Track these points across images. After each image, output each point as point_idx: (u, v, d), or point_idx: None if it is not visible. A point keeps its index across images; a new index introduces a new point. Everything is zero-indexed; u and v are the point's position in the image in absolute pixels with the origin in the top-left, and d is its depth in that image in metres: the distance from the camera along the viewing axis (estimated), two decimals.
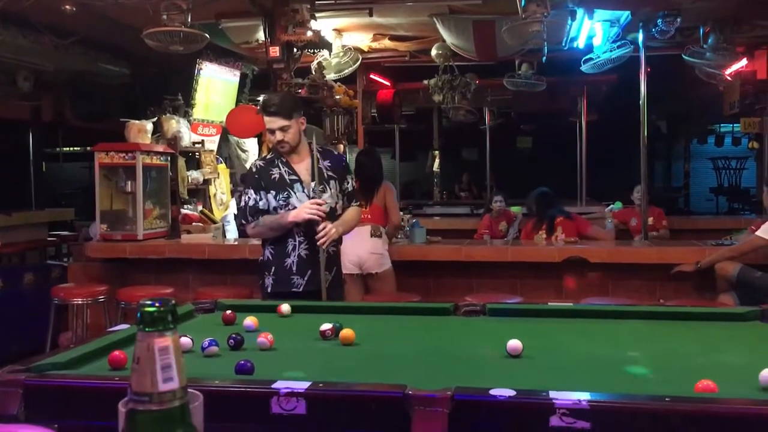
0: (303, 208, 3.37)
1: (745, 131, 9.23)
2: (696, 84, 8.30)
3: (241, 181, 3.92)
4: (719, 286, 4.58)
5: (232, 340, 2.30)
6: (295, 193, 3.46)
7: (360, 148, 8.44)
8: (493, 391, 1.64)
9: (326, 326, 2.43)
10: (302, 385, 1.71)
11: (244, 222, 3.56)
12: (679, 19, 5.60)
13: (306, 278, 3.44)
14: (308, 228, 3.40)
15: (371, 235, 4.80)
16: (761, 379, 1.78)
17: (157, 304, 0.95)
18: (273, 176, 3.50)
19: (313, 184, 3.45)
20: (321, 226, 3.33)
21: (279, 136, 3.43)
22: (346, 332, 2.36)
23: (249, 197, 3.51)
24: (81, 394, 1.82)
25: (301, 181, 3.49)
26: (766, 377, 1.77)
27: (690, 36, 6.35)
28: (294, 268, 3.44)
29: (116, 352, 2.06)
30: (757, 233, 4.43)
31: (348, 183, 3.59)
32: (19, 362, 1.97)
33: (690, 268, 4.60)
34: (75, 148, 12.75)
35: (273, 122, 3.42)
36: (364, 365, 2.15)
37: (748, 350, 2.27)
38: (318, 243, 3.36)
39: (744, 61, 7.72)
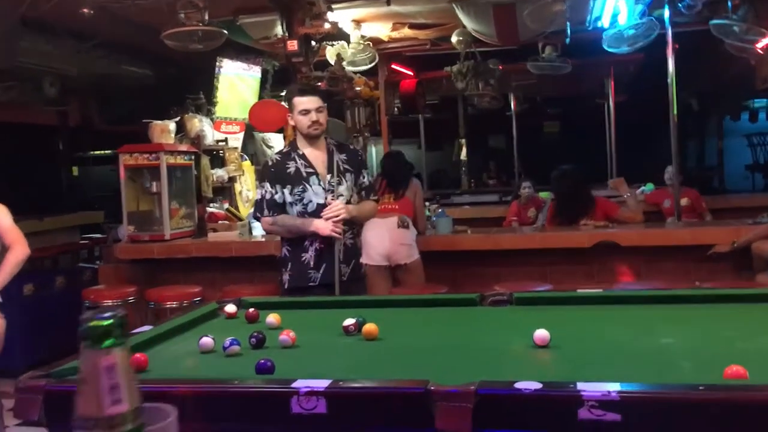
0: (328, 224, 3.36)
1: None
2: (727, 59, 8.06)
3: (259, 175, 3.97)
4: (756, 265, 4.44)
5: (253, 339, 2.27)
6: (311, 186, 3.45)
7: (384, 140, 8.40)
8: (518, 384, 1.58)
9: (349, 321, 2.39)
10: (322, 384, 1.67)
11: (259, 215, 3.57)
12: None
13: (322, 271, 3.44)
14: None
15: (398, 226, 4.75)
16: None
17: (101, 318, 0.86)
18: (289, 170, 3.50)
19: (329, 176, 3.43)
20: (329, 204, 3.33)
21: (314, 116, 3.43)
22: (369, 327, 2.31)
23: (266, 191, 3.52)
24: None
25: (317, 174, 3.48)
26: None
27: (718, 9, 6.15)
28: (311, 263, 3.45)
29: (137, 355, 2.04)
30: None
31: (364, 177, 3.57)
32: (45, 366, 1.96)
33: (726, 248, 4.47)
34: (105, 151, 12.90)
35: (311, 102, 3.43)
36: (387, 360, 2.11)
37: None
38: (324, 218, 3.35)
39: None
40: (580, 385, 1.55)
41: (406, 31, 6.85)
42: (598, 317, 2.49)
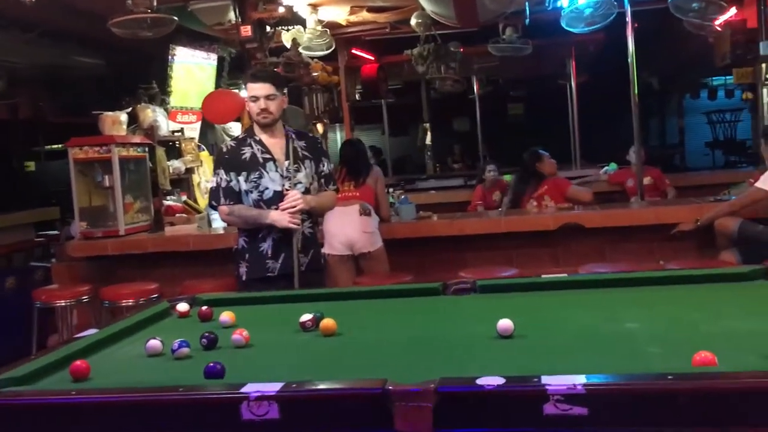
0: (284, 216, 3.27)
1: (738, 82, 9.02)
2: (685, 37, 8.10)
3: (214, 162, 3.88)
4: (719, 243, 4.45)
5: (204, 340, 2.16)
6: (267, 173, 3.36)
7: (346, 126, 8.28)
8: (480, 381, 1.50)
9: (306, 317, 2.29)
10: (274, 387, 1.57)
11: (215, 203, 3.47)
12: None
13: (280, 261, 3.35)
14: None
15: (360, 214, 4.65)
16: None
17: None
18: (244, 156, 3.39)
19: (287, 163, 3.33)
20: (288, 194, 3.24)
21: (263, 104, 3.32)
22: (327, 322, 2.21)
23: (221, 178, 3.42)
24: (34, 411, 1.67)
25: (274, 160, 3.37)
26: None
27: None
28: (269, 252, 3.36)
29: (78, 362, 1.92)
30: (757, 184, 4.29)
31: (324, 165, 3.47)
32: None
33: (689, 226, 4.46)
34: (60, 145, 12.56)
35: (260, 89, 3.32)
36: (344, 358, 2.01)
37: (754, 314, 2.13)
38: (281, 209, 3.28)
39: (733, 10, 7.52)
40: (545, 379, 1.47)
41: (365, 15, 6.72)
42: (562, 303, 2.43)
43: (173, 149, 6.39)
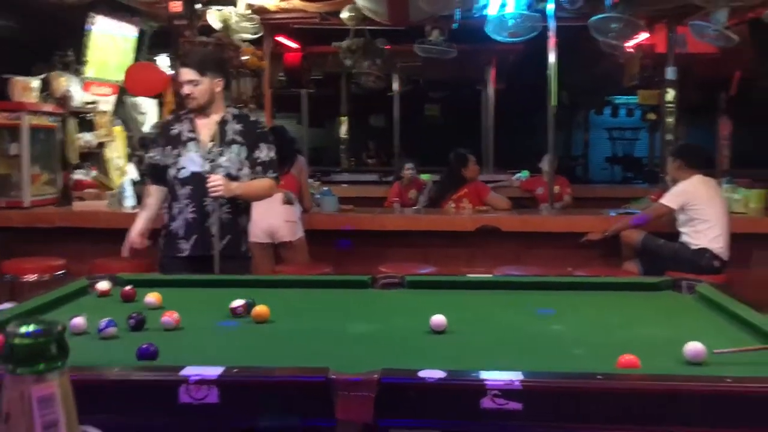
0: (127, 244, 3.42)
1: (643, 103, 9.55)
2: (598, 56, 8.47)
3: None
4: (624, 253, 4.70)
5: (132, 320, 2.11)
6: (187, 152, 3.30)
7: (267, 114, 8.15)
8: (422, 373, 1.54)
9: (237, 302, 2.26)
10: (214, 372, 1.55)
11: (147, 180, 3.57)
12: None
13: (191, 243, 3.28)
14: (195, 191, 3.25)
15: (283, 202, 4.61)
16: (688, 353, 1.76)
17: (34, 332, 0.62)
18: (173, 131, 3.37)
19: (210, 144, 3.26)
20: (210, 178, 3.19)
21: (186, 89, 3.30)
22: (260, 309, 2.20)
23: (150, 155, 3.47)
24: None
25: (198, 141, 3.31)
26: (692, 351, 1.75)
27: (597, 7, 6.41)
28: (180, 232, 3.30)
29: None
30: (661, 201, 4.56)
31: (261, 151, 3.36)
32: None
33: (597, 236, 4.69)
34: None
35: (184, 74, 3.33)
36: (281, 346, 2.01)
37: (666, 321, 2.28)
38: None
39: (645, 35, 7.95)
40: (484, 374, 1.54)
41: (295, 3, 6.64)
42: (489, 302, 2.51)
43: (86, 122, 6.11)
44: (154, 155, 3.41)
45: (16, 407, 0.60)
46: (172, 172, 3.32)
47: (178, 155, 3.31)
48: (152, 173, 3.44)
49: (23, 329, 0.60)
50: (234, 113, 3.44)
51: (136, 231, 3.41)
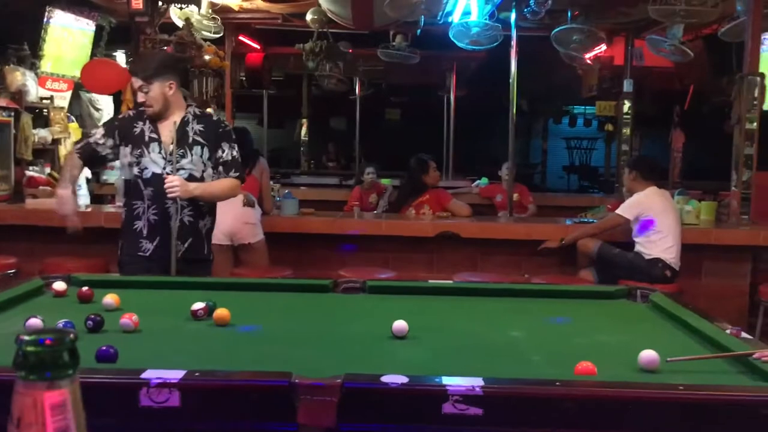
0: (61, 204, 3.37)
1: (600, 114, 9.75)
2: (557, 66, 8.63)
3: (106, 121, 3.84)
4: (580, 261, 4.79)
5: (90, 322, 2.07)
6: (149, 153, 3.26)
7: (227, 114, 8.09)
8: (384, 378, 1.55)
9: (198, 305, 2.24)
10: (176, 375, 1.54)
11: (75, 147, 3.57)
12: (550, 1, 5.72)
13: (155, 243, 3.24)
14: (156, 193, 3.21)
15: (244, 204, 4.57)
16: (642, 361, 1.81)
17: (45, 342, 0.65)
18: (135, 130, 3.31)
19: (171, 146, 3.22)
20: (167, 178, 3.16)
21: (140, 97, 3.27)
22: (221, 312, 2.19)
23: (95, 135, 3.40)
24: None
25: (160, 142, 3.26)
26: (647, 359, 1.80)
27: (558, 19, 6.54)
28: (144, 232, 3.26)
29: None
30: (617, 211, 4.66)
31: (224, 151, 3.33)
32: None
33: (554, 244, 4.77)
34: None
35: (134, 81, 3.32)
36: (243, 349, 2.00)
37: (621, 329, 2.33)
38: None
39: (603, 47, 8.13)
40: (446, 380, 1.55)
41: (259, 3, 6.61)
42: (450, 308, 2.54)
43: (40, 117, 5.97)
44: (100, 141, 3.33)
45: (28, 413, 0.63)
46: (135, 170, 3.28)
47: (141, 155, 3.26)
48: (88, 154, 3.36)
49: (37, 337, 0.64)
50: (195, 113, 3.39)
51: (72, 208, 3.37)
